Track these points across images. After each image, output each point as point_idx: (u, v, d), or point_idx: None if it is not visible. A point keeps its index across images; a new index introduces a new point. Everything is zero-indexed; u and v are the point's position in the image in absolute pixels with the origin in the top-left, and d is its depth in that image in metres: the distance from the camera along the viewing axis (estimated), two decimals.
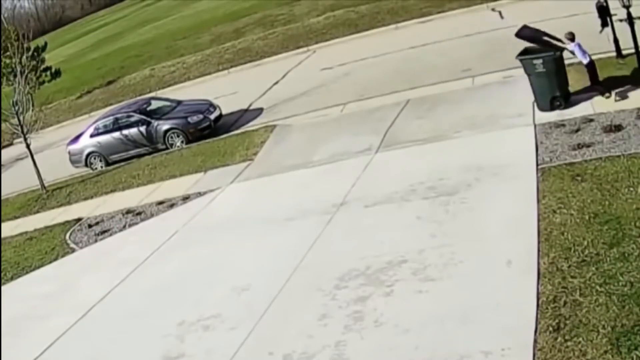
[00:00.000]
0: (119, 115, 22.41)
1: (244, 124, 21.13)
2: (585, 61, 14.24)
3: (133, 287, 12.51)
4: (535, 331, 7.86)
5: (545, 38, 14.31)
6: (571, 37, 14.23)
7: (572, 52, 14.19)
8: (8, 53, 26.62)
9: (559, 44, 14.19)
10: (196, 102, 22.48)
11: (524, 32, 14.52)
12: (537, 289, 8.57)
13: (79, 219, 17.07)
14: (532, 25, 14.89)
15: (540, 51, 14.11)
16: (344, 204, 12.78)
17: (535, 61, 14.04)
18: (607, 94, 14.01)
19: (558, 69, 14.16)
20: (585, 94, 14.37)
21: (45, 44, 38.07)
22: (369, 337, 8.80)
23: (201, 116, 21.13)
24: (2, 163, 27.50)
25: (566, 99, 14.25)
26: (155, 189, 17.50)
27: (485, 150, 13.19)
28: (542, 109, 14.31)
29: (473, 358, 7.79)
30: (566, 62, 16.50)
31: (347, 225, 12.03)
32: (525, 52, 14.34)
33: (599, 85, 14.36)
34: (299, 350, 8.94)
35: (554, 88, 14.14)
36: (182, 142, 20.96)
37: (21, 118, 20.43)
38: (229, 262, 12.17)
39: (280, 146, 17.51)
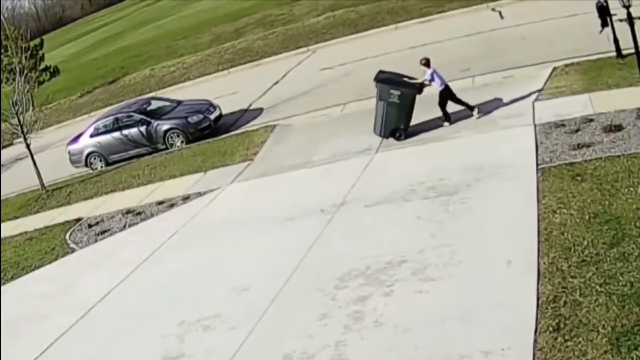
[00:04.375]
0: (119, 115, 22.41)
1: (244, 124, 21.13)
2: (440, 88, 14.90)
3: (133, 287, 12.51)
4: (535, 331, 7.86)
5: (404, 79, 15.17)
6: (426, 62, 14.95)
7: (430, 80, 14.82)
8: (8, 53, 26.63)
9: (417, 81, 14.98)
10: (196, 102, 22.48)
11: (381, 77, 15.29)
12: (537, 289, 8.57)
13: (79, 219, 17.07)
14: (387, 70, 15.85)
15: (402, 84, 14.90)
16: (344, 204, 12.78)
17: (393, 91, 14.82)
18: (476, 113, 14.81)
19: (410, 105, 14.93)
20: (428, 124, 15.21)
21: (42, 41, 38.04)
22: (369, 337, 8.80)
23: (201, 116, 21.13)
24: (2, 163, 27.50)
25: (406, 132, 15.04)
26: (155, 189, 17.50)
27: (485, 150, 13.20)
28: (378, 134, 15.21)
29: (473, 358, 7.79)
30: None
31: (347, 225, 12.04)
32: (384, 80, 15.11)
33: (467, 105, 15.01)
34: (299, 350, 8.94)
35: (400, 120, 14.97)
36: (182, 142, 20.95)
37: (21, 118, 20.43)
38: (229, 262, 12.17)
39: (280, 146, 17.50)
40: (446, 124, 15.04)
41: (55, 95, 34.56)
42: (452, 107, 15.10)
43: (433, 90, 15.09)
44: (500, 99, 15.44)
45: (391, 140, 15.18)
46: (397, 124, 15.00)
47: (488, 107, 15.20)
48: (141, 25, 59.75)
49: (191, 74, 31.08)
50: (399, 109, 14.87)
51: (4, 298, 13.54)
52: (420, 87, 14.99)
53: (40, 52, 36.07)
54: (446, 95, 14.97)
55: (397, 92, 14.79)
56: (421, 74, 15.01)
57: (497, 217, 10.64)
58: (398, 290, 9.57)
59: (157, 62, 36.45)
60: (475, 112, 14.90)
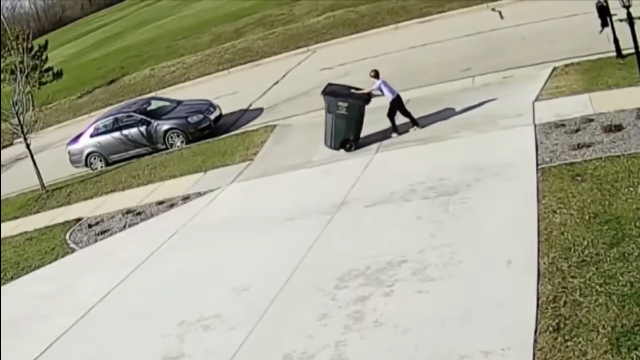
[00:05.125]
0: (119, 115, 22.42)
1: (244, 124, 21.14)
2: (391, 98, 15.11)
3: (133, 287, 12.51)
4: (535, 331, 7.86)
5: (351, 90, 15.41)
6: (375, 74, 15.21)
7: (379, 91, 15.05)
8: (10, 53, 26.66)
9: (364, 91, 15.21)
10: (196, 102, 22.49)
11: (329, 89, 15.52)
12: (537, 289, 8.57)
13: (79, 219, 17.07)
14: (335, 82, 16.26)
15: (349, 96, 15.11)
16: (344, 204, 12.78)
17: (340, 103, 15.05)
18: (418, 128, 15.16)
19: (359, 116, 15.18)
20: (380, 135, 15.48)
21: (46, 42, 38.15)
22: (369, 337, 8.80)
23: (201, 116, 21.14)
24: (2, 163, 27.50)
25: (356, 143, 15.26)
26: (155, 189, 17.50)
27: (485, 150, 13.19)
28: (329, 147, 15.41)
29: (473, 358, 7.79)
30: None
31: (347, 225, 12.03)
32: (332, 93, 15.32)
33: (412, 119, 15.32)
34: (299, 350, 8.94)
35: (349, 132, 15.20)
36: (182, 142, 20.96)
37: (21, 118, 20.44)
38: (229, 262, 12.17)
39: (280, 146, 17.51)
40: (394, 134, 15.24)
41: (55, 95, 34.58)
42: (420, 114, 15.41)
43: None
44: (500, 99, 15.45)
45: (391, 140, 15.19)
46: (347, 136, 15.24)
47: (488, 107, 15.21)
48: (141, 25, 59.75)
49: (191, 74, 31.08)
50: (347, 121, 15.11)
51: (4, 298, 13.53)
52: (367, 98, 15.21)
53: (45, 55, 36.18)
54: (396, 105, 15.15)
55: (345, 104, 15.06)
56: (370, 85, 15.23)
57: (497, 217, 10.64)
58: (398, 290, 9.56)
59: (157, 62, 36.45)
60: (416, 128, 15.21)
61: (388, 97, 15.15)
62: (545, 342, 7.64)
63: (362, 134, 15.61)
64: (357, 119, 15.17)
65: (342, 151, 15.36)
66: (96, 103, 32.74)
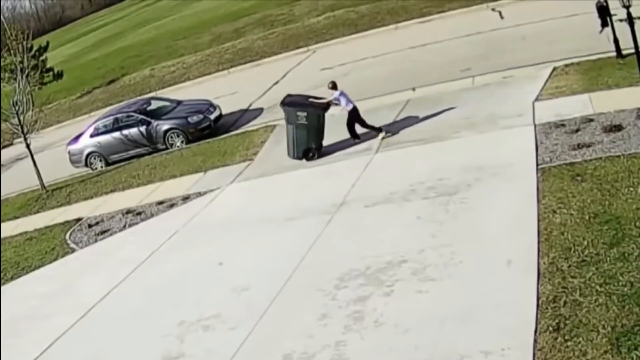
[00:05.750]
0: (119, 115, 22.41)
1: (244, 124, 21.13)
2: (348, 108, 15.28)
3: (133, 287, 12.51)
4: (535, 331, 7.87)
5: (310, 100, 15.60)
6: (333, 85, 15.40)
7: (337, 101, 15.20)
8: (11, 52, 26.68)
9: (323, 100, 15.36)
10: (196, 102, 22.49)
11: (287, 100, 15.64)
12: (537, 289, 8.57)
13: (79, 219, 17.07)
14: (294, 93, 16.40)
15: (308, 105, 15.27)
16: (344, 204, 12.79)
17: (299, 113, 15.23)
18: (383, 134, 15.24)
19: (319, 125, 15.35)
20: (344, 143, 15.62)
21: (47, 43, 38.19)
22: (369, 337, 8.80)
23: (201, 116, 21.14)
24: (2, 163, 27.50)
25: (319, 151, 15.44)
26: (155, 189, 17.50)
27: (485, 150, 13.19)
28: (292, 157, 15.56)
29: (473, 358, 7.80)
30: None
31: (347, 225, 12.04)
32: (290, 103, 15.45)
33: (371, 127, 15.43)
34: (299, 350, 8.94)
35: (310, 140, 15.37)
36: (182, 142, 20.96)
37: (21, 118, 20.44)
38: (229, 262, 12.17)
39: (280, 146, 17.48)
40: (382, 134, 15.34)
41: (55, 95, 34.57)
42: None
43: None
44: (500, 99, 15.44)
45: (391, 139, 15.19)
46: (309, 145, 15.39)
47: (488, 107, 15.20)
48: (141, 25, 59.74)
49: (191, 74, 31.07)
50: (307, 130, 15.27)
51: (4, 298, 13.54)
52: (326, 107, 15.35)
53: (45, 55, 36.20)
54: (354, 116, 15.29)
55: (304, 114, 15.22)
56: (329, 96, 15.37)
57: (497, 217, 10.64)
58: (398, 290, 9.57)
59: (157, 62, 36.44)
60: (381, 134, 15.29)
61: (347, 108, 15.29)
62: (545, 342, 7.65)
63: (338, 140, 15.70)
64: (317, 128, 15.34)
65: (338, 153, 15.35)
66: (96, 103, 32.73)
